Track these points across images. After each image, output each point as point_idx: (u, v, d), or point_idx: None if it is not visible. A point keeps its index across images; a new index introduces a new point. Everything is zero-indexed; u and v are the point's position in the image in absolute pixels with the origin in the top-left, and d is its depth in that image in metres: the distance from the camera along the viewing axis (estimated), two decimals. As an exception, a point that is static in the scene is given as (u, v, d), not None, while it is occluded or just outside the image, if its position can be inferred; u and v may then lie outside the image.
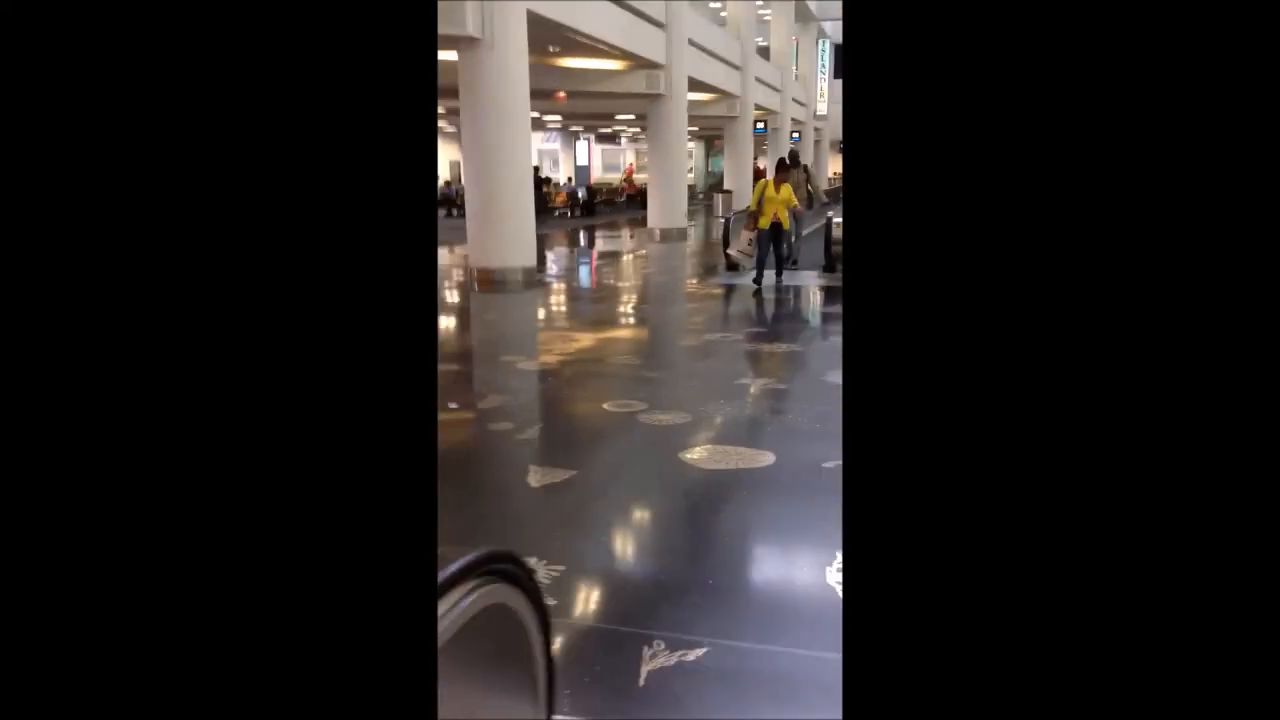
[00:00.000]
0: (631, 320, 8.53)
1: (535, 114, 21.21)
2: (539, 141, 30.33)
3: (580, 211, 19.44)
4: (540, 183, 20.30)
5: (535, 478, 3.77)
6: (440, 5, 9.31)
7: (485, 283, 10.09)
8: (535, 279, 10.54)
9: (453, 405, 5.07)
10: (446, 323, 8.35)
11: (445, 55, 10.32)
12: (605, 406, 5.04)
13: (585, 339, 7.39)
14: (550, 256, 13.74)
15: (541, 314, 8.99)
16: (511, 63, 10.05)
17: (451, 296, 9.84)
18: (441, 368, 6.18)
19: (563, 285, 11.01)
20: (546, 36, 12.26)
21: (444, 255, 12.91)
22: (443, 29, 9.40)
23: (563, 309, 9.42)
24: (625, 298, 10.01)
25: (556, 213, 19.82)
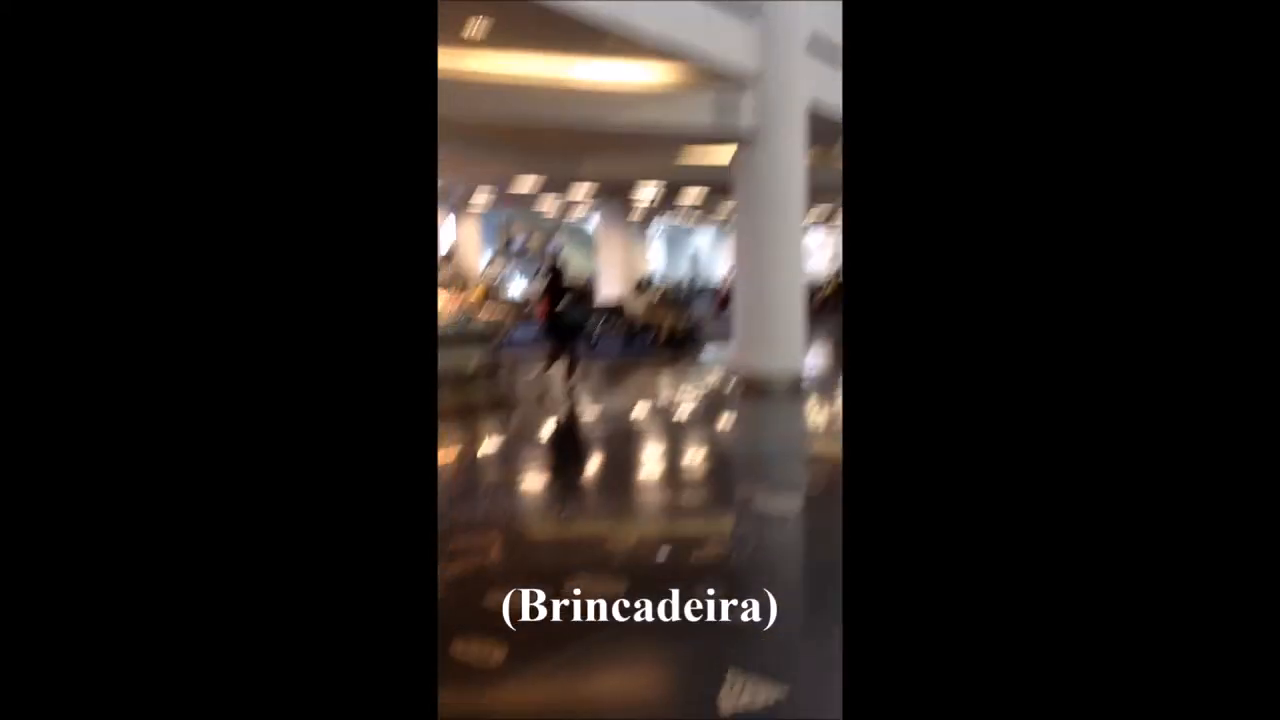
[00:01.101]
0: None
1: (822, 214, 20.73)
2: (829, 240, 29.60)
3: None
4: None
5: (728, 703, 2.82)
6: (716, 98, 9.17)
7: (750, 389, 9.41)
8: (802, 385, 9.65)
9: (659, 558, 4.26)
10: (694, 436, 7.67)
11: (724, 152, 10.05)
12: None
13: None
14: (829, 359, 12.73)
15: (802, 430, 8.03)
16: (788, 159, 9.56)
17: (709, 404, 9.20)
18: (670, 497, 5.44)
19: (833, 392, 9.96)
20: (831, 134, 11.59)
21: (711, 353, 12.43)
22: (720, 121, 9.14)
23: (829, 423, 8.40)
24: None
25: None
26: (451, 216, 18.76)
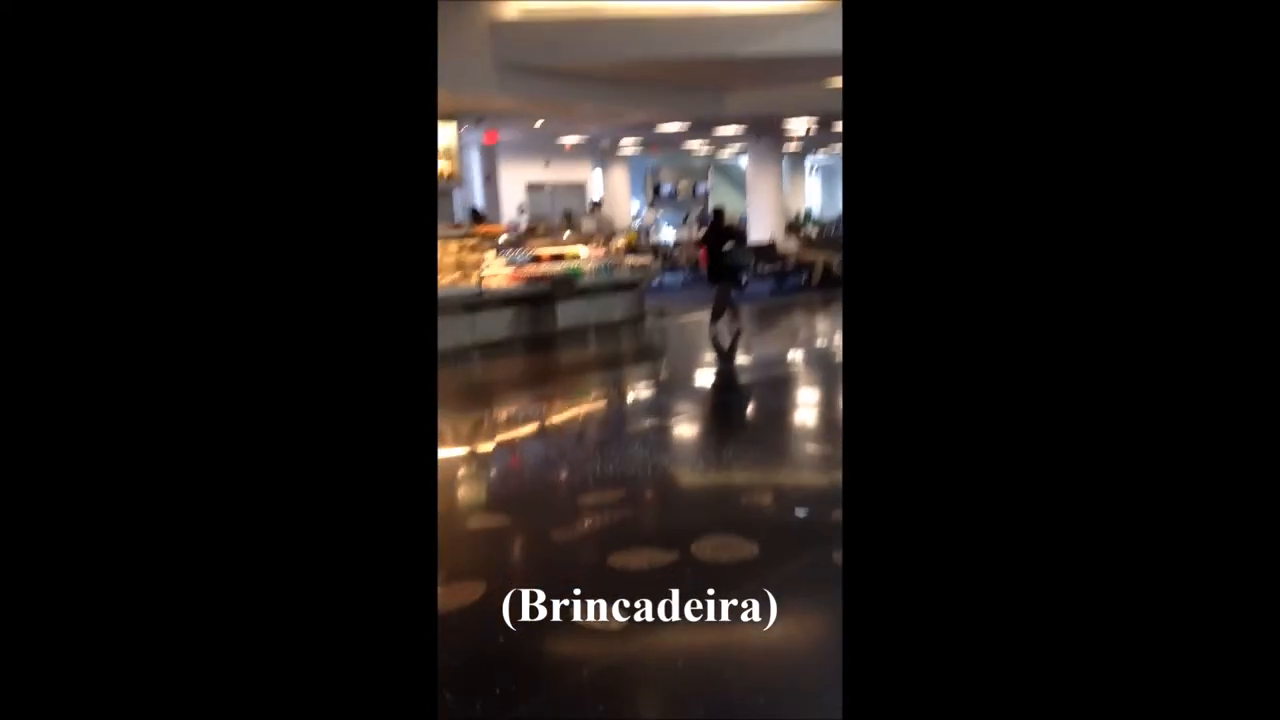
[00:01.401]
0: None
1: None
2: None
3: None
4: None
5: None
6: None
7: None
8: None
9: (799, 515, 4.01)
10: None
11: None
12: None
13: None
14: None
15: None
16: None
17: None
18: (819, 449, 5.15)
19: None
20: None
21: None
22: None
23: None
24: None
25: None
26: (598, 167, 18.76)
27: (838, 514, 3.91)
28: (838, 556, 3.29)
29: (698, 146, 18.06)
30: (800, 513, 4.01)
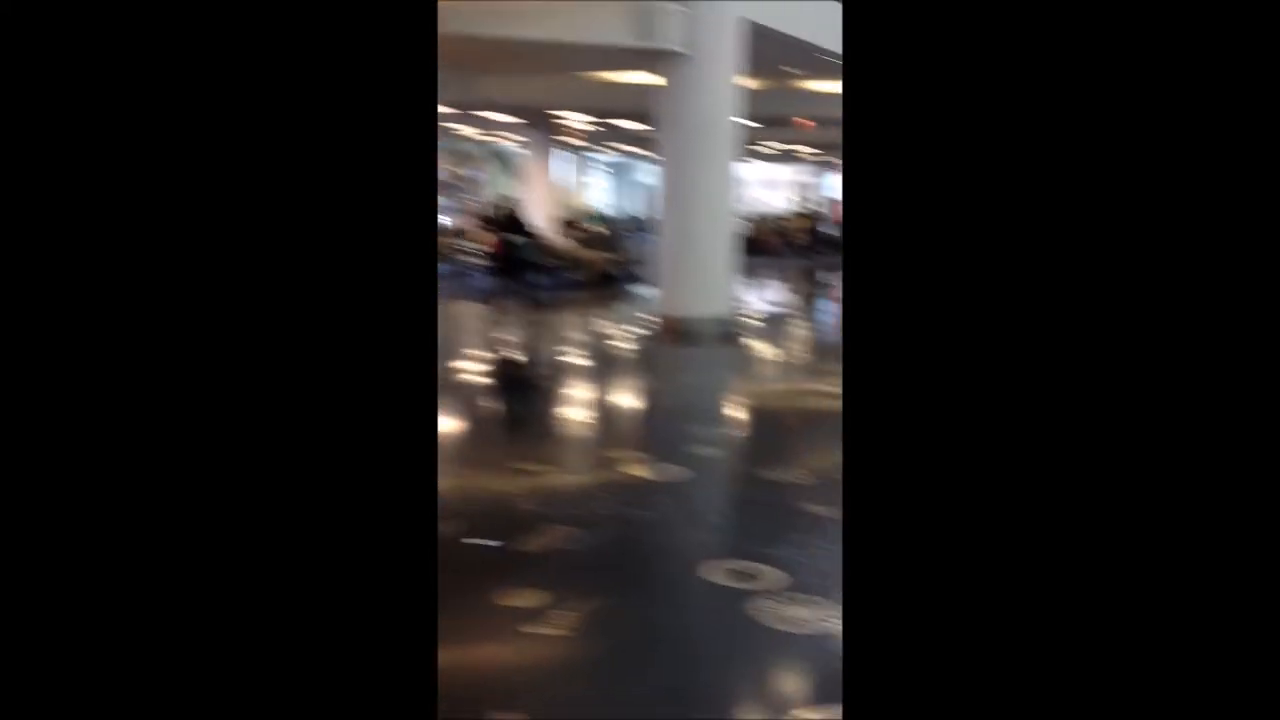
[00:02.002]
0: (825, 405, 6.53)
1: (784, 146, 19.89)
2: (792, 174, 28.49)
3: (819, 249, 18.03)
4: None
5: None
6: (638, 14, 8.29)
7: (673, 334, 8.78)
8: (732, 332, 8.99)
9: (490, 543, 3.52)
10: (587, 387, 6.95)
11: (646, 78, 9.24)
12: (711, 578, 3.27)
13: (752, 425, 5.76)
14: (764, 304, 12.07)
15: (715, 382, 7.36)
16: (716, 81, 8.82)
17: (619, 350, 8.49)
18: (527, 471, 4.69)
19: (766, 340, 9.32)
20: (775, 53, 10.71)
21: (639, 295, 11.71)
22: (641, 42, 8.32)
23: (746, 375, 7.74)
24: (831, 365, 8.07)
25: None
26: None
27: (538, 541, 3.47)
28: (519, 598, 2.84)
29: (469, 132, 17.28)
30: (476, 540, 3.51)
